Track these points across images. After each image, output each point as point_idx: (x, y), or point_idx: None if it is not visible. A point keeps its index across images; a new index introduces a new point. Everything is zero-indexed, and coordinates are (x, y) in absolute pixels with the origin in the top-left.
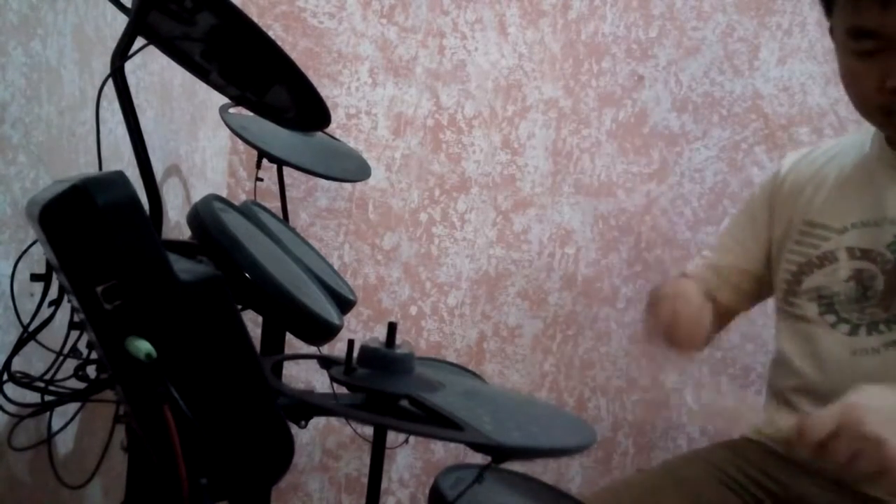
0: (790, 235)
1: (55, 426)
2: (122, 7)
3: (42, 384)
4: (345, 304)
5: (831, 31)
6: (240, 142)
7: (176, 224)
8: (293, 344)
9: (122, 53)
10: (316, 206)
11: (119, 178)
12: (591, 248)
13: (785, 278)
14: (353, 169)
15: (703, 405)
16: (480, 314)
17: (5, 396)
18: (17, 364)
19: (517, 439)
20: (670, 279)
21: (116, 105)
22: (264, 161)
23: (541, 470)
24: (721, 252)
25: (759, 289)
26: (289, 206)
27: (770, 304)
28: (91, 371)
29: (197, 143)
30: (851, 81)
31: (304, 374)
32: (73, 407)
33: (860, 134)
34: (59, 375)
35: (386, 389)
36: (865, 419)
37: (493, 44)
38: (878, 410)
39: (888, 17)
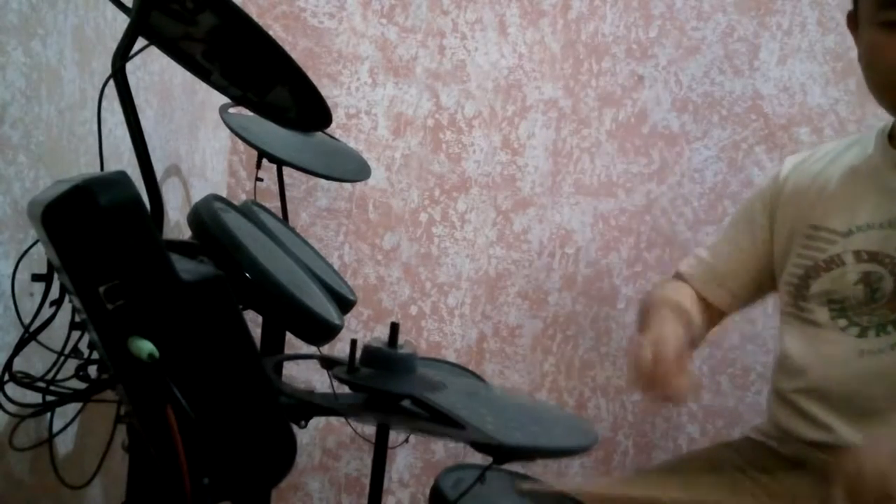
0: (795, 240)
1: (56, 426)
2: (122, 7)
3: (43, 384)
4: (345, 304)
5: (854, 15)
6: (240, 142)
7: (176, 224)
8: (293, 344)
9: (123, 54)
10: (316, 206)
11: (122, 178)
12: (591, 248)
13: (791, 282)
14: (353, 169)
15: (703, 405)
16: (480, 314)
17: (6, 396)
18: (18, 364)
19: (519, 439)
20: (660, 288)
21: (116, 105)
22: (264, 161)
23: (540, 470)
24: (717, 254)
25: (754, 292)
26: (289, 206)
27: (770, 304)
28: (92, 371)
29: (197, 143)
30: (875, 57)
31: (304, 374)
32: (74, 407)
33: (861, 135)
34: (60, 375)
35: (390, 389)
36: (864, 467)
37: (493, 44)
38: (878, 445)
39: None
